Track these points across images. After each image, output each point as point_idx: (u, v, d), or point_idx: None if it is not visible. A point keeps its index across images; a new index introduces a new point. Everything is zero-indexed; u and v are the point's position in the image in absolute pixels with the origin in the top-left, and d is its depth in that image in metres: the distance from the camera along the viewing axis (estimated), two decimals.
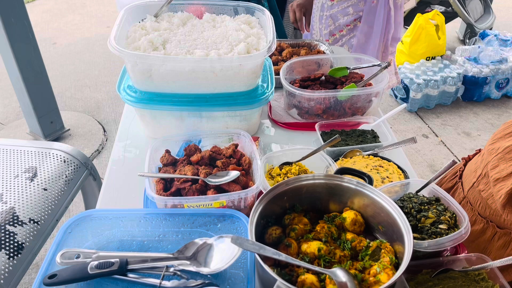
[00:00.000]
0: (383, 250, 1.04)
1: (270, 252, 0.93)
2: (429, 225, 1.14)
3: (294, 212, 1.16)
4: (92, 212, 1.13)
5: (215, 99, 1.45)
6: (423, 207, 1.19)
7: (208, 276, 0.97)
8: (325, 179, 1.16)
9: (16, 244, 1.66)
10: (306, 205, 1.18)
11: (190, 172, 1.22)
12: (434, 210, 1.17)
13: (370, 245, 1.08)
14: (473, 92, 4.31)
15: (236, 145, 1.35)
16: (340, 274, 0.93)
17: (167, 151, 1.32)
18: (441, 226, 1.13)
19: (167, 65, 1.36)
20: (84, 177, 2.00)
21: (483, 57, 4.31)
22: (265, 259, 0.95)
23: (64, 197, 1.89)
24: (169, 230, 1.10)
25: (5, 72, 3.39)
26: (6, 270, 1.59)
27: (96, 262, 0.96)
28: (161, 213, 1.13)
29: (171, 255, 1.00)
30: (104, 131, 3.91)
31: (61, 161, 2.00)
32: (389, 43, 2.52)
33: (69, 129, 3.89)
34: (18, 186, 1.86)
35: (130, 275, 0.98)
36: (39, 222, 1.79)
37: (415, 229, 1.14)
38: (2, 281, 1.56)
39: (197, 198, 1.15)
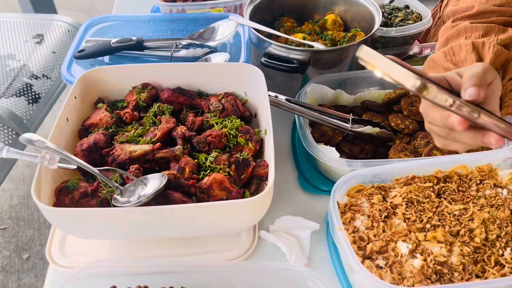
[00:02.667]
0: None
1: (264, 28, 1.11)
2: (398, 21, 1.34)
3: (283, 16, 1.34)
4: (107, 18, 1.29)
5: None
6: (394, 11, 1.38)
7: (213, 47, 1.16)
8: None
9: (33, 93, 1.83)
10: (294, 15, 1.36)
11: None
12: (403, 11, 1.36)
13: (347, 35, 1.27)
14: None
15: None
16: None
17: None
18: (408, 21, 1.33)
19: None
20: None
21: None
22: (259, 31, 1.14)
23: None
24: (175, 28, 1.27)
25: None
26: (27, 113, 1.77)
27: (117, 38, 1.14)
28: (168, 18, 1.30)
29: (181, 37, 1.18)
30: None
31: (65, 30, 2.13)
32: None
33: None
34: (28, 48, 2.00)
35: (146, 51, 1.16)
36: (51, 79, 1.95)
37: (386, 25, 1.34)
38: (25, 121, 1.75)
39: (197, 5, 1.32)
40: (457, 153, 0.94)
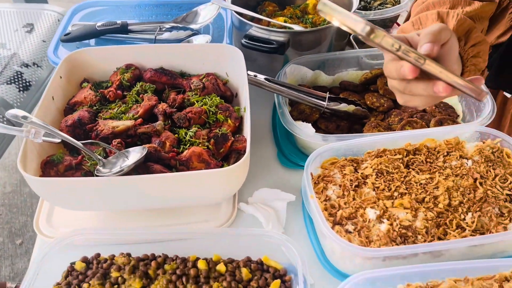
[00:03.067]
0: None
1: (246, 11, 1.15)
2: (377, 5, 1.38)
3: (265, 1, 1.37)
4: (94, 3, 1.32)
5: None
6: None
7: (195, 30, 1.20)
8: None
9: (24, 81, 1.85)
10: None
11: None
12: None
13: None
14: None
15: None
16: None
17: None
18: (387, 5, 1.37)
19: None
20: None
21: None
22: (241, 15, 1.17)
23: None
24: (159, 13, 1.31)
25: None
26: (18, 101, 1.80)
27: (102, 22, 1.17)
28: (153, 3, 1.34)
29: (165, 21, 1.22)
30: None
31: (55, 19, 2.15)
32: None
33: None
34: (19, 37, 2.02)
35: (131, 34, 1.19)
36: (41, 67, 1.98)
37: (365, 8, 1.37)
38: (16, 108, 1.78)
39: None
40: (428, 126, 0.99)
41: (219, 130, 0.90)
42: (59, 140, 0.82)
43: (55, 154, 0.85)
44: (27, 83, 1.85)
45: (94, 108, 0.94)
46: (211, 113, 0.93)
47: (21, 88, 1.84)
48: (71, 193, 0.77)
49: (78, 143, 0.81)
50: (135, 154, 0.81)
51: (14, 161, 2.39)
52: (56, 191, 0.77)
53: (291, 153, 1.03)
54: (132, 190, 0.78)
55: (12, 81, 1.80)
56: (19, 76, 1.85)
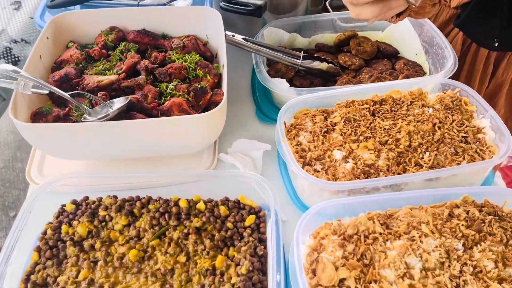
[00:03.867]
0: None
1: None
2: None
3: None
4: None
5: None
6: None
7: None
8: None
9: (13, 56, 1.89)
10: None
11: None
12: None
13: None
14: None
15: None
16: None
17: None
18: None
19: None
20: None
21: None
22: None
23: None
24: None
25: None
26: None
27: None
28: None
29: None
30: None
31: None
32: None
33: None
34: (7, 14, 2.05)
35: (115, 0, 1.24)
36: (30, 43, 2.01)
37: None
38: None
39: None
40: (396, 79, 1.05)
41: (199, 84, 0.96)
42: (47, 92, 0.87)
43: (44, 106, 0.90)
44: (16, 58, 1.89)
45: (80, 65, 1.00)
46: (191, 69, 0.99)
47: (10, 63, 1.88)
48: (59, 139, 0.83)
49: (66, 94, 0.87)
50: (119, 104, 0.87)
51: (5, 138, 2.43)
52: (44, 136, 0.83)
53: (269, 110, 1.10)
54: (116, 136, 0.84)
55: (2, 56, 1.84)
56: (8, 51, 1.88)
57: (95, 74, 0.96)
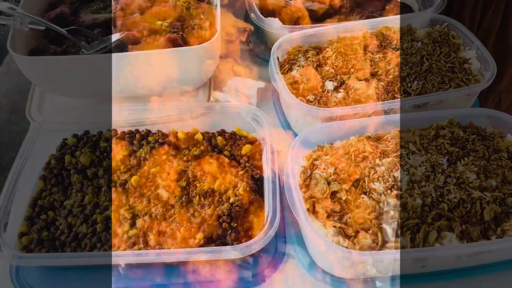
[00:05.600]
0: None
1: None
2: None
3: None
4: None
5: None
6: None
7: None
8: None
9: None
10: None
11: None
12: None
13: None
14: None
15: None
16: None
17: None
18: None
19: None
20: None
21: None
22: None
23: None
24: None
25: None
26: None
27: None
28: None
29: None
30: None
31: None
32: None
33: None
34: None
35: None
36: None
37: None
38: None
39: None
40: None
41: (192, 22, 0.98)
42: (44, 28, 0.88)
43: (41, 44, 0.92)
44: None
45: (75, 6, 1.00)
46: (184, 8, 1.00)
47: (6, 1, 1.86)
48: (55, 72, 0.85)
49: (63, 30, 0.88)
50: (115, 37, 0.89)
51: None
52: (43, 70, 0.85)
53: (264, 52, 1.12)
54: (115, 69, 0.86)
55: None
56: None
57: (90, 13, 0.97)
